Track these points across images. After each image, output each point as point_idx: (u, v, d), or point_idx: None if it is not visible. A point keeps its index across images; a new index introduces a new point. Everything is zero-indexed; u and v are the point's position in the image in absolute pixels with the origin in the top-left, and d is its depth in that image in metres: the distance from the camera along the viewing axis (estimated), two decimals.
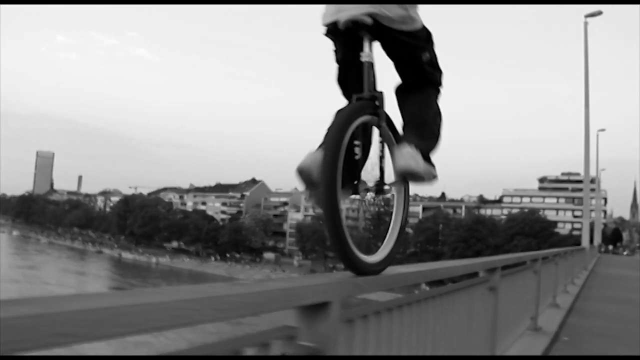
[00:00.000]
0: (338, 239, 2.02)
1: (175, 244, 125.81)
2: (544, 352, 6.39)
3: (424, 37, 2.51)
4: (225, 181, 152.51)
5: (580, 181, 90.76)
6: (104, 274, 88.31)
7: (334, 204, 1.99)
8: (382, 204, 2.55)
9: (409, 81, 2.57)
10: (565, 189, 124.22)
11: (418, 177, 2.37)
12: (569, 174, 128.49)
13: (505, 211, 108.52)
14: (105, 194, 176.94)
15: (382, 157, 2.39)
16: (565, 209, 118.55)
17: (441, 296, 3.26)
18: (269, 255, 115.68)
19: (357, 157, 2.23)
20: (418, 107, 2.53)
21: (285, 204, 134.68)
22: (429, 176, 2.43)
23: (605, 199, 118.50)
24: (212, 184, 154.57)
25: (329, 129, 2.08)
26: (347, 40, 2.37)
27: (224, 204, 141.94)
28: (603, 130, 55.82)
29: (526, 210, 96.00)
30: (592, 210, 47.13)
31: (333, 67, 2.56)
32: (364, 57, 2.34)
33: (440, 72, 2.61)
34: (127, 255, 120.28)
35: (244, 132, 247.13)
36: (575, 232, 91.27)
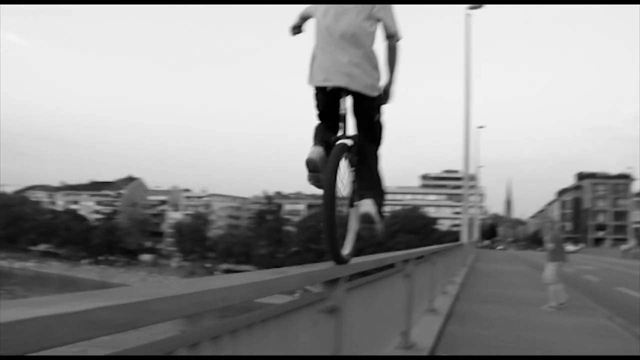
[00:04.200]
0: (333, 239, 3.04)
1: (43, 247, 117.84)
2: None
3: (378, 105, 3.61)
4: (100, 178, 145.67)
5: (460, 178, 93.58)
6: None
7: (332, 215, 2.99)
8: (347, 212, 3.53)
9: (361, 134, 3.56)
10: (446, 186, 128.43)
11: (373, 222, 3.38)
12: (449, 171, 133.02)
13: (388, 208, 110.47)
14: None
15: (353, 181, 3.50)
16: (445, 206, 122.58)
17: (233, 333, 1.72)
18: (146, 257, 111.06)
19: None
20: (370, 170, 3.56)
21: (163, 202, 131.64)
22: (379, 226, 3.46)
23: (483, 195, 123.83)
24: (86, 181, 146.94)
25: (328, 166, 3.12)
26: (330, 96, 3.45)
27: (98, 203, 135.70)
28: (482, 127, 57.60)
29: (408, 206, 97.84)
30: (470, 207, 48.12)
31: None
32: (342, 110, 3.46)
33: (382, 133, 3.69)
34: None
35: (119, 124, 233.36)
36: (455, 228, 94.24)
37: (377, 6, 3.52)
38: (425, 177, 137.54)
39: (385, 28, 3.56)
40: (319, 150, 3.43)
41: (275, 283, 2.16)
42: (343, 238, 3.40)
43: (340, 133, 3.44)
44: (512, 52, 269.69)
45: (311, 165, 3.38)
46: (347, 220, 3.50)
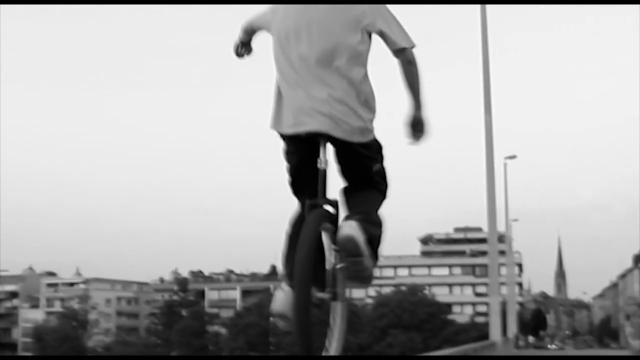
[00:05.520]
0: (307, 347, 3.26)
1: None
2: None
3: (376, 149, 3.93)
4: None
5: (483, 240, 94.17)
6: None
7: (306, 318, 3.25)
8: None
9: (356, 185, 3.92)
10: (462, 253, 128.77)
11: (358, 252, 3.53)
12: (466, 229, 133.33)
13: (372, 291, 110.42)
14: None
15: (335, 265, 3.61)
16: (462, 284, 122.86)
17: None
18: None
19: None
20: (365, 199, 3.85)
21: (13, 295, 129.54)
22: (368, 260, 3.65)
23: (521, 266, 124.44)
24: None
25: (300, 247, 3.35)
26: (304, 146, 3.72)
27: None
28: (513, 157, 57.63)
29: (404, 288, 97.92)
30: (502, 284, 48.41)
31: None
32: (320, 165, 3.68)
33: (386, 184, 4.03)
34: None
35: None
36: (480, 319, 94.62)
37: (368, 11, 3.74)
38: (427, 240, 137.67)
39: (391, 43, 3.80)
40: (287, 297, 3.64)
41: None
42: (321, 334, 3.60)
43: (317, 196, 3.69)
44: (558, 55, 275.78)
45: (279, 317, 3.76)
46: (329, 316, 3.68)
